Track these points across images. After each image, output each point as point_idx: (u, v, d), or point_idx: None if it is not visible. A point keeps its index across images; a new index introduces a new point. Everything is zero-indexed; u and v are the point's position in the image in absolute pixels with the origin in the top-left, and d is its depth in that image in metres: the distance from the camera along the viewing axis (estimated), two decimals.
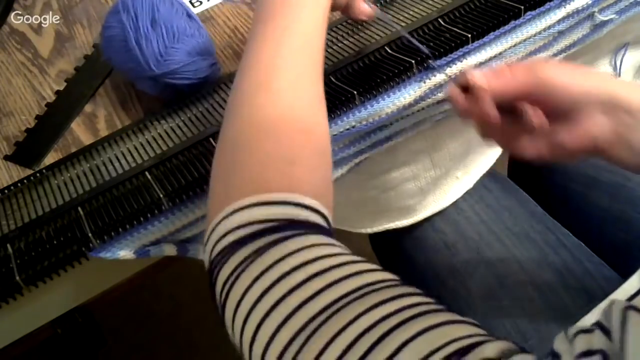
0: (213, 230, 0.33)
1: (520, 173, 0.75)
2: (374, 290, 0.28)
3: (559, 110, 0.42)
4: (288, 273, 0.29)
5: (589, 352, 0.23)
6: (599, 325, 0.25)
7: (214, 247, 0.33)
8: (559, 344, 0.25)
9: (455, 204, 0.64)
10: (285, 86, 0.37)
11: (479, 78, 0.42)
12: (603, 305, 0.45)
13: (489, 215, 0.63)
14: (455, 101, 0.44)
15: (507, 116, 0.43)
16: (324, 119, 0.39)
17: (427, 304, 0.28)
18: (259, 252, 0.30)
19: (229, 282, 0.30)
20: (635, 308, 0.24)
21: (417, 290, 0.29)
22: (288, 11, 0.40)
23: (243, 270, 0.30)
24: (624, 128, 0.41)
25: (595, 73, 0.42)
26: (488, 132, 0.46)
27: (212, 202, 0.36)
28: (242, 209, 0.32)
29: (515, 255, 0.59)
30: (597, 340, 0.24)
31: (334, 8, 0.46)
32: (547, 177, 0.71)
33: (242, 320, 0.29)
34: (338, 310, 0.27)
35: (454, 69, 0.52)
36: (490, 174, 0.67)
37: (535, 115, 0.42)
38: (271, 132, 0.35)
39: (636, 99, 0.41)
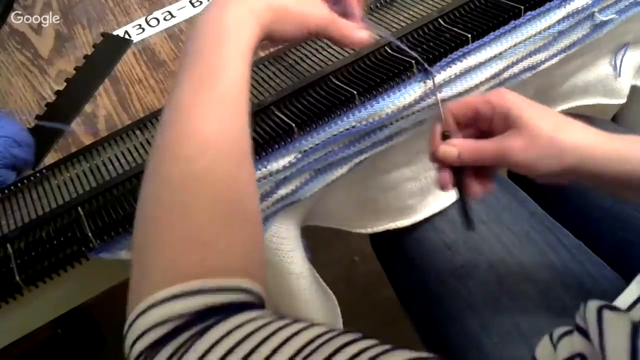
0: (129, 328, 0.31)
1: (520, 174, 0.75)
2: (320, 344, 0.27)
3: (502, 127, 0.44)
4: (224, 357, 0.27)
5: (570, 359, 0.23)
6: (576, 327, 0.25)
7: (132, 346, 0.30)
8: (541, 350, 0.25)
9: (455, 204, 0.64)
10: (198, 152, 0.34)
11: (448, 151, 0.45)
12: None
13: (489, 215, 0.63)
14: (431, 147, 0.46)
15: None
16: (247, 177, 0.36)
17: (379, 345, 0.27)
18: (181, 349, 0.28)
19: None
20: (608, 307, 0.24)
21: (360, 335, 0.28)
22: (203, 60, 0.37)
23: None
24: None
25: (561, 151, 0.43)
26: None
27: (130, 288, 0.33)
28: (156, 304, 0.30)
29: (515, 255, 0.59)
30: (578, 343, 0.24)
31: (273, 39, 0.42)
32: None
33: None
34: None
35: (448, 73, 0.52)
36: None
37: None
38: (183, 211, 0.33)
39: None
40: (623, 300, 0.46)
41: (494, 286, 0.58)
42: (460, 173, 0.46)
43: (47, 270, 0.44)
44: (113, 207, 0.46)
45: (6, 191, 0.49)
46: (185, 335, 0.29)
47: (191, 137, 0.34)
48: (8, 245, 0.45)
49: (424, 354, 0.26)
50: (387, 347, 0.26)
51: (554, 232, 0.62)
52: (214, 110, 0.35)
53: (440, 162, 0.46)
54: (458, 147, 0.44)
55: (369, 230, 0.64)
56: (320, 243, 1.27)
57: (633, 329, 0.22)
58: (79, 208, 0.46)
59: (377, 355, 0.25)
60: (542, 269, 0.58)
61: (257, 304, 0.32)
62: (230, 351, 0.27)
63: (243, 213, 0.34)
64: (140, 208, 0.35)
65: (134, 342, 0.30)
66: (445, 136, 0.46)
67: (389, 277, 0.70)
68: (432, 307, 0.61)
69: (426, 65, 0.50)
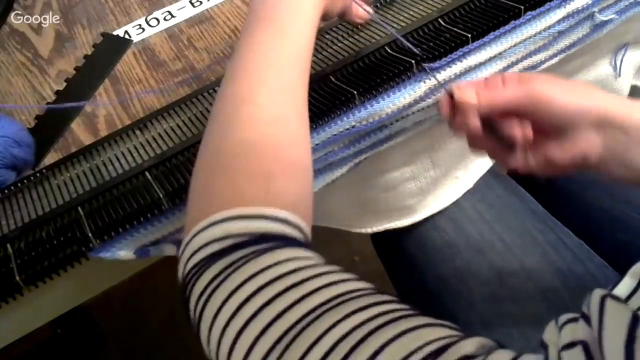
0: (188, 243, 0.33)
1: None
2: (348, 299, 0.28)
3: (550, 125, 0.42)
4: (264, 286, 0.29)
5: (572, 344, 0.24)
6: (582, 315, 0.25)
7: (188, 260, 0.32)
8: (548, 334, 0.26)
9: (456, 202, 0.64)
10: (267, 101, 0.37)
11: (465, 93, 0.43)
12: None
13: (490, 214, 0.63)
14: (444, 112, 0.45)
15: (497, 129, 0.43)
16: (305, 133, 0.39)
17: (402, 310, 0.28)
18: (234, 265, 0.30)
19: (204, 295, 0.30)
20: (612, 296, 0.24)
21: (392, 298, 0.29)
22: (279, 18, 0.40)
23: (219, 284, 0.30)
24: (617, 145, 0.41)
25: (588, 88, 0.42)
26: (476, 144, 0.46)
27: (189, 214, 0.35)
28: (217, 222, 0.32)
29: (516, 254, 0.59)
30: (581, 331, 0.24)
31: (325, 17, 0.46)
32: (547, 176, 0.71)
33: (219, 333, 0.29)
34: (314, 320, 0.27)
35: (448, 73, 0.52)
36: (492, 172, 0.67)
37: (521, 131, 0.42)
38: (251, 147, 0.35)
39: (629, 116, 0.41)
40: (616, 293, 0.45)
41: (495, 285, 0.58)
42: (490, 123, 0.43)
43: (47, 270, 0.44)
44: (113, 207, 0.46)
45: (6, 191, 0.49)
46: (239, 253, 0.31)
47: (262, 86, 0.37)
48: (8, 245, 0.45)
49: (442, 322, 0.28)
50: (409, 312, 0.28)
51: (555, 231, 0.62)
52: (282, 65, 0.38)
53: (459, 117, 0.44)
54: (475, 89, 0.43)
55: (369, 231, 0.64)
56: (320, 243, 1.26)
57: (633, 320, 0.22)
58: (79, 208, 0.46)
59: (398, 318, 0.27)
60: (543, 268, 0.58)
61: (307, 245, 0.34)
62: (279, 277, 0.29)
63: (301, 161, 0.37)
64: (208, 140, 0.38)
65: (191, 256, 0.32)
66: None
67: (389, 276, 0.70)
68: (433, 306, 0.61)
69: (411, 46, 0.50)
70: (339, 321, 0.27)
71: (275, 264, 0.30)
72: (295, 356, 0.26)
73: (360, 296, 0.29)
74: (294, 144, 0.37)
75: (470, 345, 0.25)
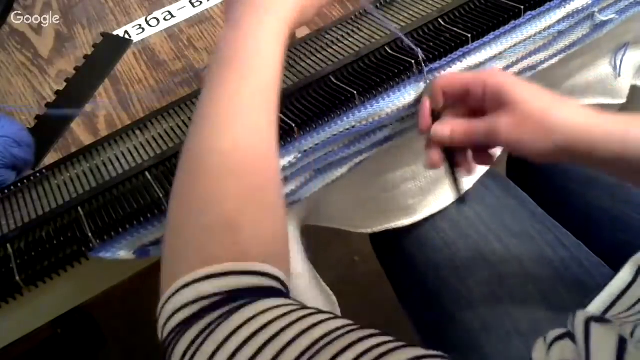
0: (162, 308, 0.32)
1: (519, 173, 0.75)
2: (335, 338, 0.28)
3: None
4: (243, 345, 0.28)
5: None
6: (568, 333, 0.25)
7: (164, 326, 0.32)
8: (537, 352, 0.26)
9: (455, 203, 0.64)
10: (232, 147, 0.36)
11: (440, 130, 0.45)
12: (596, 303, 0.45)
13: (489, 215, 0.63)
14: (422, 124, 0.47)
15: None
16: (274, 169, 0.38)
17: (392, 342, 0.27)
18: (206, 331, 0.30)
19: None
20: (596, 319, 0.24)
21: (378, 331, 0.29)
22: (240, 58, 0.39)
23: (197, 350, 0.29)
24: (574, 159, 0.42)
25: (552, 130, 0.42)
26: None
27: (162, 275, 0.35)
28: (187, 285, 0.32)
29: (515, 255, 0.59)
30: (568, 351, 0.24)
31: (300, 25, 0.45)
32: (547, 177, 0.71)
33: None
34: None
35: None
36: (490, 173, 0.67)
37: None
38: (214, 201, 0.35)
39: (591, 151, 0.41)
40: (616, 285, 0.46)
41: (494, 285, 0.58)
42: (450, 149, 0.45)
43: (47, 270, 0.44)
44: (113, 207, 0.46)
45: (6, 191, 0.49)
46: (214, 315, 0.30)
47: (226, 132, 0.36)
48: (8, 245, 0.45)
49: (434, 352, 0.26)
50: (400, 344, 0.27)
51: (554, 232, 0.62)
52: (247, 107, 0.37)
53: (431, 141, 0.46)
54: (451, 127, 0.44)
55: (369, 231, 0.64)
56: (320, 243, 1.27)
57: (619, 344, 0.22)
58: (79, 208, 0.46)
59: (389, 352, 0.26)
60: (542, 269, 0.58)
61: (282, 291, 0.33)
62: (257, 331, 0.29)
63: (270, 203, 0.36)
64: (175, 194, 0.37)
65: (166, 322, 0.31)
66: (435, 116, 0.45)
67: (388, 276, 0.70)
68: (432, 306, 0.61)
69: (410, 44, 0.50)
70: None
71: (247, 320, 0.29)
72: None
73: (346, 333, 0.28)
74: (262, 187, 0.36)
75: None
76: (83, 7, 0.69)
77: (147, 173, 0.48)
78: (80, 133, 0.54)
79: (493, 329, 0.55)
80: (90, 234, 0.44)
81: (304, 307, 0.31)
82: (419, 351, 0.27)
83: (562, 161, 0.43)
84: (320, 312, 0.30)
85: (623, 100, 0.71)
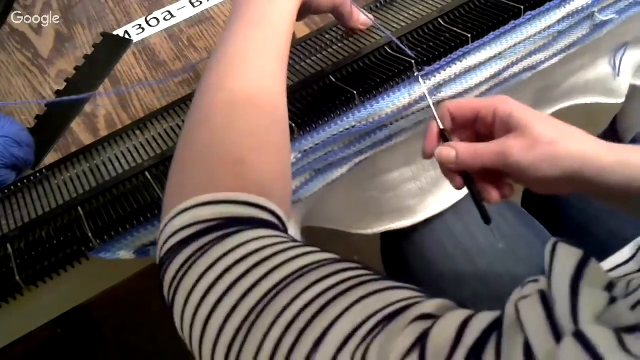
0: (162, 230, 0.34)
1: (534, 203, 0.74)
2: (314, 269, 0.29)
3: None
4: (230, 267, 0.30)
5: (529, 295, 0.24)
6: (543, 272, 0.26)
7: (162, 247, 0.33)
8: (513, 295, 0.26)
9: (454, 207, 0.64)
10: (241, 86, 0.38)
11: (445, 153, 0.44)
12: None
13: (507, 245, 0.62)
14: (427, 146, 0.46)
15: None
16: (282, 114, 0.40)
17: (366, 275, 0.29)
18: (201, 250, 0.31)
19: (176, 280, 0.31)
20: (563, 241, 0.25)
21: (357, 264, 0.30)
22: (254, 10, 0.41)
23: (188, 270, 0.31)
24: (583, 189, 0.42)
25: (562, 155, 0.41)
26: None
27: (164, 202, 0.36)
28: (188, 209, 0.33)
29: (517, 258, 0.59)
30: (540, 284, 0.25)
31: (312, 9, 0.47)
32: (562, 208, 0.70)
33: (190, 318, 0.30)
34: (279, 292, 0.28)
35: (448, 73, 0.51)
36: (507, 202, 0.66)
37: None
38: (222, 133, 0.36)
39: (598, 176, 0.41)
40: (613, 260, 0.46)
41: (495, 288, 0.58)
42: (468, 175, 0.45)
43: (47, 270, 0.44)
44: (113, 207, 0.46)
45: (6, 191, 0.49)
46: (207, 238, 0.31)
47: (236, 72, 0.39)
48: (8, 245, 0.45)
49: (405, 284, 0.28)
50: (373, 277, 0.29)
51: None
52: (258, 51, 0.40)
53: (440, 164, 0.46)
54: (456, 149, 0.44)
55: (369, 232, 0.64)
56: (320, 243, 1.26)
57: (583, 259, 0.23)
58: (79, 208, 0.46)
59: (359, 285, 0.28)
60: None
61: (278, 226, 0.35)
62: (245, 256, 0.30)
63: (275, 143, 0.38)
64: (186, 129, 0.39)
65: (165, 242, 0.33)
66: (444, 137, 0.46)
67: (389, 278, 0.70)
68: None
69: (407, 50, 0.50)
70: (303, 290, 0.28)
71: (240, 244, 0.31)
72: (262, 330, 0.27)
73: (324, 265, 0.30)
74: (268, 126, 0.38)
75: (430, 305, 0.26)
76: (83, 7, 0.69)
77: (147, 173, 0.48)
78: (80, 133, 0.54)
79: None
80: (90, 234, 0.44)
81: (292, 240, 0.32)
82: (390, 283, 0.28)
83: (562, 192, 0.44)
84: (304, 245, 0.32)
85: (622, 100, 0.71)
